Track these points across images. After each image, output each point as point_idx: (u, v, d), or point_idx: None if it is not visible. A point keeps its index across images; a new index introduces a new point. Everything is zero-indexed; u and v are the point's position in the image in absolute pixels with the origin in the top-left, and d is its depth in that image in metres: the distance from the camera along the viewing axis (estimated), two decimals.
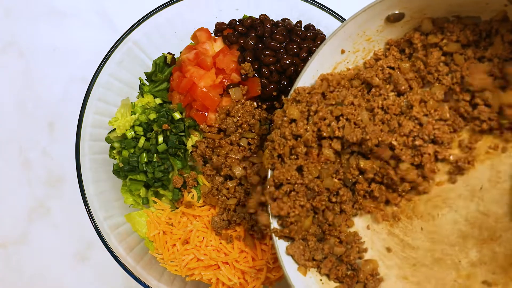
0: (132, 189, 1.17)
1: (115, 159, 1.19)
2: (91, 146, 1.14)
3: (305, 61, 1.11)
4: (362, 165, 0.88)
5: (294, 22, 1.19)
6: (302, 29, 1.18)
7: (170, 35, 1.24)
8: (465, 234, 0.87)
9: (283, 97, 0.95)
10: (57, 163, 1.45)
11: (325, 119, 0.89)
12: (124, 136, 1.17)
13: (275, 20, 1.19)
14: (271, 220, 0.92)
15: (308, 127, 0.89)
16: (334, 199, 0.93)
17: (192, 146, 1.16)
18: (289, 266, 0.90)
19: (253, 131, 1.14)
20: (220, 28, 1.20)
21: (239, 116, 1.12)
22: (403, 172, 0.86)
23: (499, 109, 0.83)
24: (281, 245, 0.92)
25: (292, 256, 0.92)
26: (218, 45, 1.19)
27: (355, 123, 0.87)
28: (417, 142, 0.84)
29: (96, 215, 1.10)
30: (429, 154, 0.85)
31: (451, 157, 0.88)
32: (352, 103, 0.89)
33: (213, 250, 1.11)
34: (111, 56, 1.13)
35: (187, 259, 1.11)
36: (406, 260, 0.91)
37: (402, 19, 0.88)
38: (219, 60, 1.14)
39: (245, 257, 1.10)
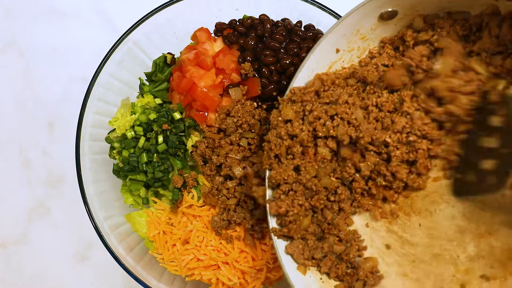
0: (132, 189, 1.17)
1: (115, 159, 1.19)
2: (91, 146, 1.14)
3: None
4: (356, 163, 0.89)
5: (294, 22, 1.19)
6: (302, 29, 1.18)
7: (170, 35, 1.24)
8: (462, 229, 0.87)
9: (278, 98, 0.96)
10: (57, 163, 1.45)
11: (320, 118, 0.89)
12: (124, 136, 1.17)
13: (275, 20, 1.19)
14: (269, 220, 0.92)
15: (304, 127, 0.89)
16: (332, 198, 0.93)
17: (192, 146, 1.16)
18: (288, 265, 0.90)
19: (253, 131, 1.14)
20: (220, 28, 1.20)
21: (239, 116, 1.12)
22: (394, 169, 0.86)
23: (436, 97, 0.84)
24: (280, 244, 0.92)
25: (291, 255, 0.92)
26: (218, 45, 1.19)
27: (349, 122, 0.87)
28: (411, 138, 0.84)
29: (96, 215, 1.10)
30: (423, 150, 0.85)
31: (443, 153, 0.88)
32: (347, 102, 0.89)
33: (213, 250, 1.11)
34: (111, 56, 1.13)
35: (187, 259, 1.11)
36: (405, 257, 0.91)
37: (395, 17, 0.89)
38: (219, 60, 1.14)
39: (245, 257, 1.10)
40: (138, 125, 1.15)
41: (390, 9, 0.87)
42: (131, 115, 1.19)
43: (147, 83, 1.25)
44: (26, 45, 1.51)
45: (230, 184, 1.12)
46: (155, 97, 1.22)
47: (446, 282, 0.86)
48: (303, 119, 0.91)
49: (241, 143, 1.13)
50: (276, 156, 0.92)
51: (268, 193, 0.94)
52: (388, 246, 0.93)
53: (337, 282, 0.92)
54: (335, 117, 0.88)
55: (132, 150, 1.15)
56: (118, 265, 1.07)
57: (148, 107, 1.20)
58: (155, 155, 1.14)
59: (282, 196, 0.90)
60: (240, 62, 1.14)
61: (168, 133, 1.15)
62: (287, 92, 0.94)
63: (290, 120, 0.91)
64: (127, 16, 1.22)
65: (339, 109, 0.87)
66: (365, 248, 0.94)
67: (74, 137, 1.10)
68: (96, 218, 1.10)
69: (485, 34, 0.83)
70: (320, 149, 0.89)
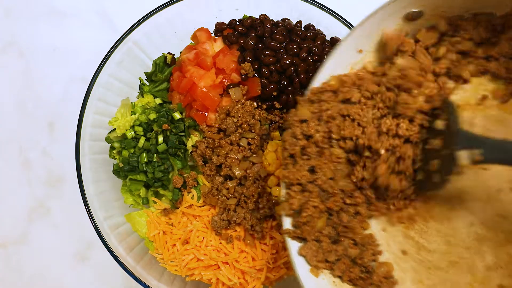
0: (132, 189, 1.17)
1: (115, 159, 1.19)
2: (91, 146, 1.14)
3: (305, 61, 1.11)
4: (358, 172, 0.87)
5: (294, 22, 1.19)
6: (302, 29, 1.18)
7: (170, 35, 1.24)
8: (481, 236, 0.85)
9: (297, 97, 0.93)
10: (57, 163, 1.45)
11: (334, 118, 0.87)
12: (124, 136, 1.17)
13: (275, 20, 1.19)
14: (283, 220, 0.90)
15: (320, 128, 0.88)
16: (348, 201, 0.90)
17: (192, 146, 1.16)
18: (301, 267, 0.88)
19: (253, 131, 1.14)
20: (220, 28, 1.20)
21: (239, 116, 1.12)
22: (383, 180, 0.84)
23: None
24: (293, 246, 0.90)
25: (304, 257, 0.89)
26: (218, 45, 1.19)
27: (359, 124, 0.85)
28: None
29: (96, 215, 1.10)
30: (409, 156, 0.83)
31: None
32: (359, 101, 0.87)
33: (213, 250, 1.11)
34: (111, 56, 1.13)
35: (187, 259, 1.11)
36: (421, 263, 0.89)
37: (421, 17, 0.87)
38: (219, 60, 1.14)
39: (245, 257, 1.10)
40: (138, 125, 1.15)
41: (416, 10, 0.86)
42: (131, 115, 1.19)
43: (147, 83, 1.25)
44: (26, 45, 1.51)
45: (230, 184, 1.12)
46: (155, 97, 1.22)
47: None
48: (319, 120, 0.89)
49: (241, 143, 1.13)
50: (291, 155, 0.90)
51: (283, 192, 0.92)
52: (404, 252, 0.91)
53: (350, 286, 0.90)
54: (347, 117, 0.86)
55: (132, 150, 1.15)
56: (118, 265, 1.07)
57: (148, 107, 1.20)
58: (155, 155, 1.14)
59: (292, 193, 0.89)
60: (240, 62, 1.14)
61: (168, 133, 1.15)
62: (307, 92, 0.92)
63: (305, 120, 0.89)
64: (127, 16, 1.22)
65: (351, 110, 0.86)
66: (380, 252, 0.92)
67: (74, 137, 1.10)
68: (96, 218, 1.10)
69: (504, 38, 0.82)
70: (333, 150, 0.88)
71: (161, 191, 1.17)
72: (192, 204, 1.14)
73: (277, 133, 1.16)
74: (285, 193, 0.90)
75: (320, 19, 1.16)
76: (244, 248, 1.10)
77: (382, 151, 0.82)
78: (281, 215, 0.91)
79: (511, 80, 0.83)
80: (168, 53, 1.22)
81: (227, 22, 1.20)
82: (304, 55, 1.11)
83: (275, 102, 1.15)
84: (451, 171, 0.77)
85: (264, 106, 1.15)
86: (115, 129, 1.17)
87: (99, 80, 1.13)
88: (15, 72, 1.50)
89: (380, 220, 0.94)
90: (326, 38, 1.16)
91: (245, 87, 1.14)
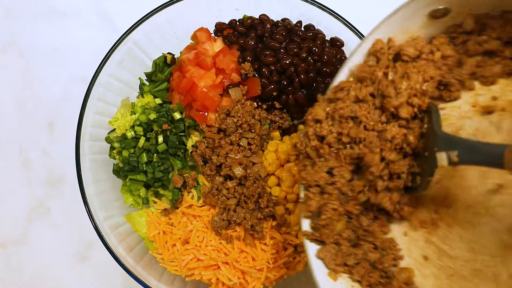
0: (132, 189, 1.17)
1: (115, 159, 1.19)
2: (91, 146, 1.14)
3: (305, 61, 1.11)
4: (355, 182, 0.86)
5: (294, 22, 1.19)
6: (302, 29, 1.18)
7: (170, 35, 1.24)
8: (506, 244, 0.81)
9: (318, 96, 0.90)
10: (57, 163, 1.45)
11: (346, 118, 0.84)
12: (124, 136, 1.17)
13: (275, 20, 1.19)
14: (301, 222, 0.88)
15: (333, 128, 0.85)
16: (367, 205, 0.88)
17: (192, 146, 1.16)
18: (319, 271, 0.86)
19: (253, 131, 1.14)
20: (220, 28, 1.20)
21: (239, 116, 1.12)
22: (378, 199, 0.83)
23: None
24: (311, 248, 0.88)
25: (323, 260, 0.87)
26: (218, 45, 1.19)
27: (365, 127, 0.83)
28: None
29: (96, 215, 1.10)
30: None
31: None
32: (365, 100, 0.84)
33: (213, 250, 1.11)
34: (111, 56, 1.13)
35: (187, 259, 1.11)
36: (443, 270, 0.85)
37: (448, 15, 0.84)
38: (219, 60, 1.14)
39: (245, 257, 1.10)
40: (138, 125, 1.16)
41: (442, 7, 0.83)
42: (131, 115, 1.19)
43: (147, 83, 1.25)
44: (26, 45, 1.51)
45: (230, 184, 1.12)
46: (155, 97, 1.22)
47: None
48: (333, 120, 0.86)
49: (241, 143, 1.13)
50: (308, 156, 0.88)
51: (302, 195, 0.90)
52: (426, 257, 0.87)
53: None
54: (355, 119, 0.84)
55: (132, 150, 1.15)
56: (118, 265, 1.07)
57: (148, 107, 1.20)
58: (155, 155, 1.14)
59: (311, 195, 0.86)
60: (240, 62, 1.14)
61: (168, 133, 1.15)
62: (328, 91, 0.89)
63: (320, 120, 0.87)
64: (127, 16, 1.22)
65: (359, 112, 0.83)
66: (401, 257, 0.88)
67: (74, 137, 1.10)
68: (96, 218, 1.10)
69: None
70: (347, 151, 0.85)
71: (161, 191, 1.17)
72: (192, 204, 1.14)
73: (277, 133, 1.17)
74: (304, 195, 0.88)
75: (320, 19, 1.16)
76: (244, 248, 1.10)
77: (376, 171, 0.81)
78: (300, 216, 0.89)
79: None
80: (168, 53, 1.22)
81: (227, 22, 1.20)
82: (304, 55, 1.11)
83: (275, 102, 1.15)
84: (433, 173, 0.77)
85: (264, 106, 1.15)
86: (115, 129, 1.17)
87: (99, 80, 1.13)
88: (15, 72, 1.50)
89: (401, 224, 0.91)
90: (326, 38, 1.16)
91: (245, 87, 1.14)
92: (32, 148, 1.46)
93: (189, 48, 1.19)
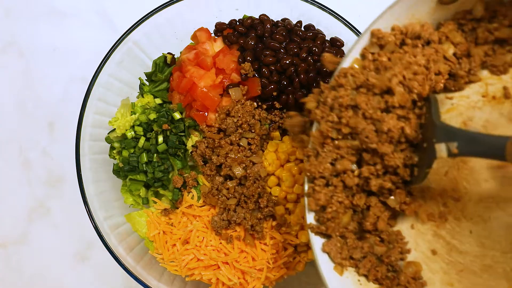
0: (132, 189, 1.17)
1: (115, 159, 1.19)
2: (91, 146, 1.14)
3: (305, 61, 1.11)
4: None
5: (294, 22, 1.19)
6: (302, 29, 1.18)
7: (170, 35, 1.24)
8: None
9: (321, 83, 0.87)
10: (57, 163, 1.45)
11: (346, 107, 0.81)
12: (124, 136, 1.17)
13: (275, 20, 1.19)
14: (306, 214, 0.85)
15: (330, 117, 0.81)
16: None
17: (192, 146, 1.16)
18: (324, 265, 0.83)
19: (253, 131, 1.14)
20: (220, 28, 1.20)
21: (239, 116, 1.12)
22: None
23: None
24: (316, 242, 0.85)
25: (328, 254, 0.85)
26: (218, 45, 1.19)
27: (364, 115, 0.79)
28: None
29: (96, 215, 1.10)
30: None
31: None
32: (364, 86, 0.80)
33: (213, 250, 1.11)
34: (111, 56, 1.13)
35: (187, 259, 1.11)
36: (452, 265, 0.83)
37: (457, 0, 0.80)
38: (219, 60, 1.14)
39: (245, 257, 1.10)
40: (138, 125, 1.16)
41: None
42: (131, 115, 1.19)
43: (147, 83, 1.25)
44: (26, 45, 1.51)
45: (230, 184, 1.12)
46: (155, 97, 1.22)
47: None
48: (332, 109, 0.82)
49: (241, 143, 1.13)
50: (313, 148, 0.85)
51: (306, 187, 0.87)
52: (434, 252, 0.85)
53: (376, 286, 0.85)
54: (355, 108, 0.80)
55: (132, 150, 1.15)
56: (118, 265, 1.07)
57: (148, 107, 1.20)
58: (155, 155, 1.14)
59: (317, 188, 0.83)
60: (240, 62, 1.14)
61: (168, 133, 1.15)
62: (331, 79, 0.85)
63: (310, 111, 0.85)
64: (127, 16, 1.22)
65: (359, 99, 0.79)
66: (408, 251, 0.86)
67: (74, 137, 1.10)
68: (96, 218, 1.10)
69: None
70: (348, 142, 0.82)
71: (161, 191, 1.17)
72: (192, 204, 1.14)
73: (277, 133, 1.17)
74: (309, 187, 0.85)
75: (320, 19, 1.16)
76: (244, 248, 1.10)
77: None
78: (305, 209, 0.86)
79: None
80: (168, 53, 1.22)
81: (227, 22, 1.20)
82: (304, 55, 1.11)
83: (275, 102, 1.15)
84: (431, 165, 0.75)
85: (264, 106, 1.15)
86: (115, 129, 1.17)
87: (99, 80, 1.13)
88: (15, 72, 1.50)
89: (408, 217, 0.89)
90: (326, 38, 1.16)
91: (245, 87, 1.14)
92: (32, 148, 1.46)
93: (189, 48, 1.19)
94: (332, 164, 0.83)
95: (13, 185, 1.44)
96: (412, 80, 0.78)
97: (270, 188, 1.12)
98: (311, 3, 1.13)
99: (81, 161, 1.10)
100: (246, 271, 1.09)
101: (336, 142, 0.82)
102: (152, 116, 1.15)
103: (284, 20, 1.20)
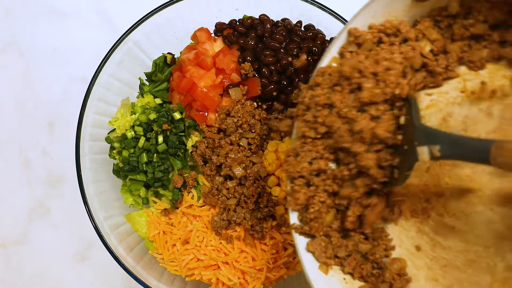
0: (132, 189, 1.17)
1: (115, 159, 1.19)
2: (91, 146, 1.14)
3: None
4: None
5: (294, 22, 1.19)
6: (302, 29, 1.18)
7: (170, 35, 1.24)
8: (501, 235, 0.79)
9: (300, 84, 0.87)
10: (57, 163, 1.45)
11: (321, 106, 0.81)
12: (124, 136, 1.17)
13: (275, 20, 1.19)
14: (289, 215, 0.86)
15: (306, 117, 0.82)
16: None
17: (192, 146, 1.16)
18: (309, 264, 0.84)
19: (253, 131, 1.14)
20: (220, 28, 1.20)
21: (239, 116, 1.12)
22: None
23: None
24: (300, 242, 0.86)
25: (313, 253, 0.85)
26: (218, 45, 1.19)
27: (338, 114, 0.79)
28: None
29: (96, 215, 1.10)
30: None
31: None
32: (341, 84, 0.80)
33: (213, 250, 1.11)
34: (111, 56, 1.13)
35: (187, 259, 1.11)
36: (436, 261, 0.84)
37: None
38: (219, 60, 1.14)
39: (245, 257, 1.10)
40: (138, 125, 1.16)
41: None
42: (131, 115, 1.19)
43: (147, 83, 1.25)
44: (26, 45, 1.51)
45: (230, 184, 1.12)
46: (155, 97, 1.22)
47: None
48: (308, 108, 0.83)
49: (241, 143, 1.13)
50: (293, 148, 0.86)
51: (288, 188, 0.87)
52: (418, 248, 0.86)
53: (362, 283, 0.85)
54: (330, 106, 0.80)
55: (132, 150, 1.15)
56: (118, 265, 1.07)
57: (148, 107, 1.20)
58: (155, 155, 1.14)
59: (297, 188, 0.84)
60: (240, 62, 1.14)
61: (168, 133, 1.15)
62: (310, 80, 0.86)
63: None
64: (127, 16, 1.22)
65: (334, 97, 0.79)
66: (393, 248, 0.87)
67: (74, 137, 1.10)
68: (96, 218, 1.10)
69: None
70: (324, 141, 0.82)
71: (161, 191, 1.17)
72: (192, 204, 1.15)
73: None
74: (289, 187, 0.85)
75: (320, 19, 1.16)
76: (244, 248, 1.10)
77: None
78: (287, 209, 0.87)
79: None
80: (168, 53, 1.22)
81: (227, 22, 1.20)
82: (304, 55, 1.10)
83: (275, 102, 1.15)
84: (412, 167, 0.74)
85: (264, 106, 1.15)
86: (115, 129, 1.17)
87: (99, 80, 1.13)
88: (15, 72, 1.50)
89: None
90: (326, 38, 1.16)
91: (245, 87, 1.14)
92: (32, 148, 1.46)
93: (189, 48, 1.19)
94: (310, 163, 0.84)
95: (13, 185, 1.44)
96: (386, 75, 0.77)
97: (270, 188, 1.12)
98: (311, 3, 1.13)
99: (81, 161, 1.10)
100: (246, 271, 1.09)
101: (314, 141, 0.83)
102: (152, 116, 1.15)
103: (284, 20, 1.20)
